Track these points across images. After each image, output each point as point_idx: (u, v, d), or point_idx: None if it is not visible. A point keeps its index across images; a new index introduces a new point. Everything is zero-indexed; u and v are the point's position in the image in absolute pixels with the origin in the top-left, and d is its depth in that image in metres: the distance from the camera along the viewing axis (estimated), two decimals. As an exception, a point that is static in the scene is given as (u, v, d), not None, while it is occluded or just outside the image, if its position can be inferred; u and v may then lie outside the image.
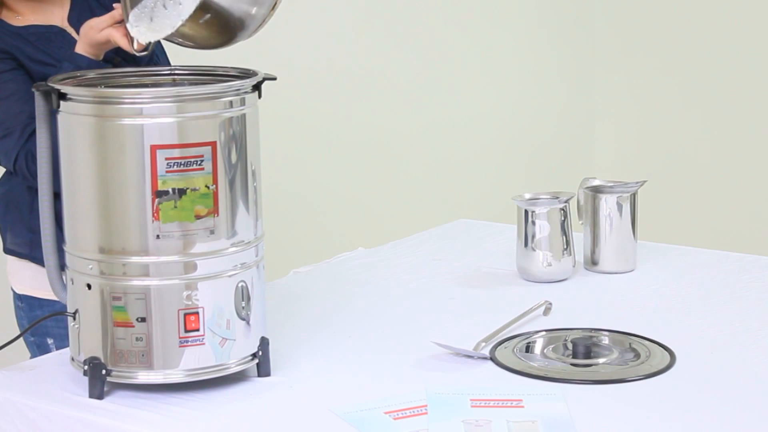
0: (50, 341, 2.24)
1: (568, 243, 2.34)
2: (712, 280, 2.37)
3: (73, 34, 2.22)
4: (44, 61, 2.16)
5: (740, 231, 4.43)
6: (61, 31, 2.22)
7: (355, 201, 3.93)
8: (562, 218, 2.34)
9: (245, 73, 1.87)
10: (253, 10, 2.03)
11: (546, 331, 2.05)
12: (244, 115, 1.78)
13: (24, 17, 2.21)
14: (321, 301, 2.25)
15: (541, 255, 2.33)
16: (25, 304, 2.29)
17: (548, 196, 2.36)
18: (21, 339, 2.01)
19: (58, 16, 2.24)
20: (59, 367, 1.90)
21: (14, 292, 2.32)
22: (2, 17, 2.20)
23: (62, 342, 2.21)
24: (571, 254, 2.35)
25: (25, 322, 2.29)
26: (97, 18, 2.10)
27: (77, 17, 2.23)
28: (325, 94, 3.72)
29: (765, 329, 2.05)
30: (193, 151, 1.72)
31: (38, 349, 2.26)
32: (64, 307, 1.84)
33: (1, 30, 2.19)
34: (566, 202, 2.35)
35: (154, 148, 1.70)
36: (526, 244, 2.34)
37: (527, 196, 2.38)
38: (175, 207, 1.72)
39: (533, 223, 2.33)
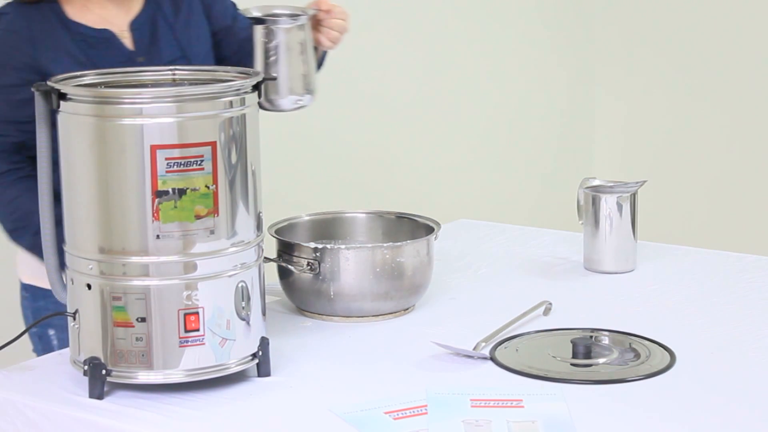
0: (51, 332, 2.24)
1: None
2: (712, 280, 2.37)
3: (127, 40, 2.22)
4: (80, 60, 2.16)
5: (740, 231, 4.43)
6: (108, 38, 2.21)
7: (355, 201, 3.92)
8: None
9: (245, 73, 1.88)
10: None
11: (546, 331, 2.05)
12: (244, 115, 1.78)
13: (90, 8, 2.21)
14: (321, 301, 2.25)
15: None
16: (30, 293, 2.29)
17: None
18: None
19: (123, 15, 2.24)
20: (59, 367, 1.90)
21: (21, 283, 2.32)
22: (68, 0, 2.20)
23: (62, 332, 2.21)
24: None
25: (29, 312, 2.29)
26: None
27: (139, 24, 2.24)
28: (325, 94, 3.71)
29: (765, 329, 2.05)
30: (193, 151, 1.72)
31: (40, 340, 2.26)
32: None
33: (55, 19, 2.18)
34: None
35: (154, 148, 1.70)
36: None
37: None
38: (175, 207, 1.72)
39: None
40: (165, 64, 2.18)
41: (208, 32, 2.32)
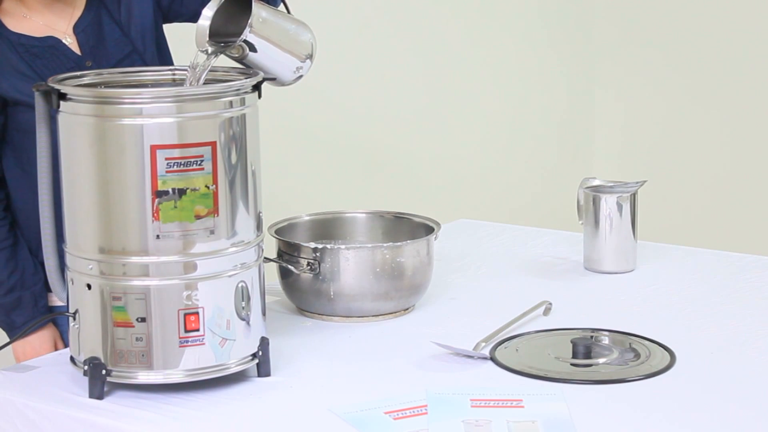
0: None
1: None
2: (712, 280, 2.37)
3: (73, 44, 2.18)
4: (25, 73, 2.12)
5: (740, 231, 4.43)
6: (53, 45, 2.16)
7: (355, 201, 3.92)
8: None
9: (245, 73, 1.88)
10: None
11: (546, 331, 2.05)
12: (244, 115, 1.78)
13: (29, 16, 2.16)
14: (321, 301, 2.25)
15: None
16: None
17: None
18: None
19: (66, 20, 2.19)
20: (59, 367, 1.90)
21: None
22: (6, 11, 2.15)
23: None
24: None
25: None
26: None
27: (83, 27, 2.19)
28: (325, 94, 3.72)
29: (765, 329, 2.05)
30: (193, 151, 1.72)
31: None
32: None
33: None
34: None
35: (154, 148, 1.70)
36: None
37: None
38: (175, 207, 1.72)
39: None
40: (116, 63, 2.17)
41: (150, 6, 2.25)
